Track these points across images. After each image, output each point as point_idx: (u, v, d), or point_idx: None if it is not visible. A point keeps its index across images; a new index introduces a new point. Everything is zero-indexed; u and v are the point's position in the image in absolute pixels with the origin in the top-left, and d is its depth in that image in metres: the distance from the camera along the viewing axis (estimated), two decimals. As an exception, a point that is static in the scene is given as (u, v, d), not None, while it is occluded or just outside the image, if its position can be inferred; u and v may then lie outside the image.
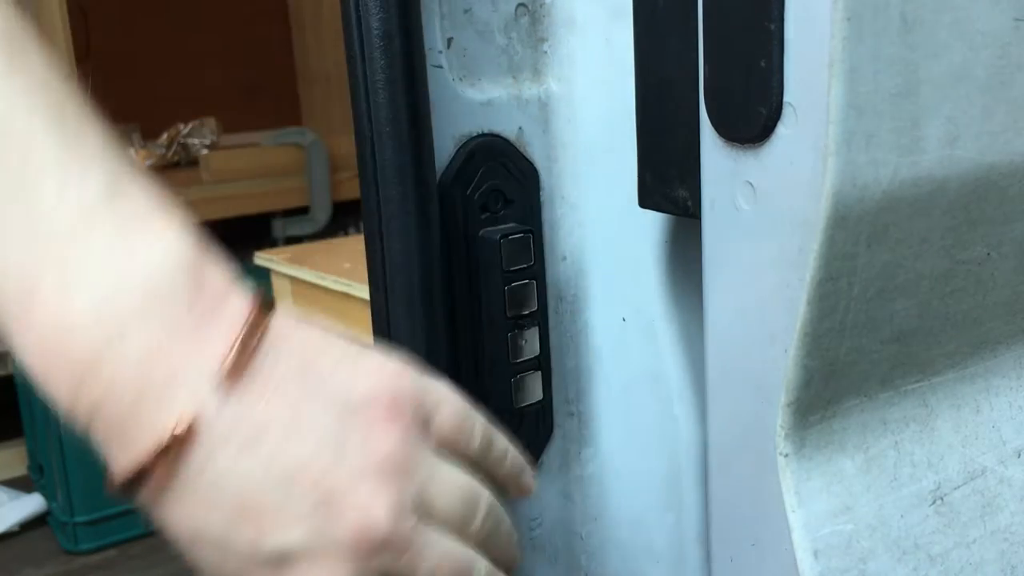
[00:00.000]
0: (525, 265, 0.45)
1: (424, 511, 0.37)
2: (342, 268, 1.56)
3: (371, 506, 0.34)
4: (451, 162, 0.44)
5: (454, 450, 0.39)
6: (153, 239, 0.34)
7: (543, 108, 0.47)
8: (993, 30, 0.35)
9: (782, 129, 0.35)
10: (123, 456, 0.34)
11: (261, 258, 1.76)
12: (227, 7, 3.28)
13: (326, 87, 3.30)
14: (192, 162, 2.87)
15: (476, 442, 0.40)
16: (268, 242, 2.71)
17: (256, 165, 2.76)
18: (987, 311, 0.42)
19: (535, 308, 0.46)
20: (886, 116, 0.34)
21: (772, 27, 0.34)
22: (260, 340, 0.34)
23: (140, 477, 0.34)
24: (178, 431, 0.32)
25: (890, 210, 0.35)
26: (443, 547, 0.37)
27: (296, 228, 2.80)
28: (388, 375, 0.37)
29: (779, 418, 0.38)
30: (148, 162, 2.85)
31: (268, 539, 0.34)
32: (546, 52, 0.47)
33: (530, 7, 0.46)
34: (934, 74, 0.34)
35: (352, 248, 1.76)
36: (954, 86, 0.35)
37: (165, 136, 2.92)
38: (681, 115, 0.41)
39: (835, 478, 0.39)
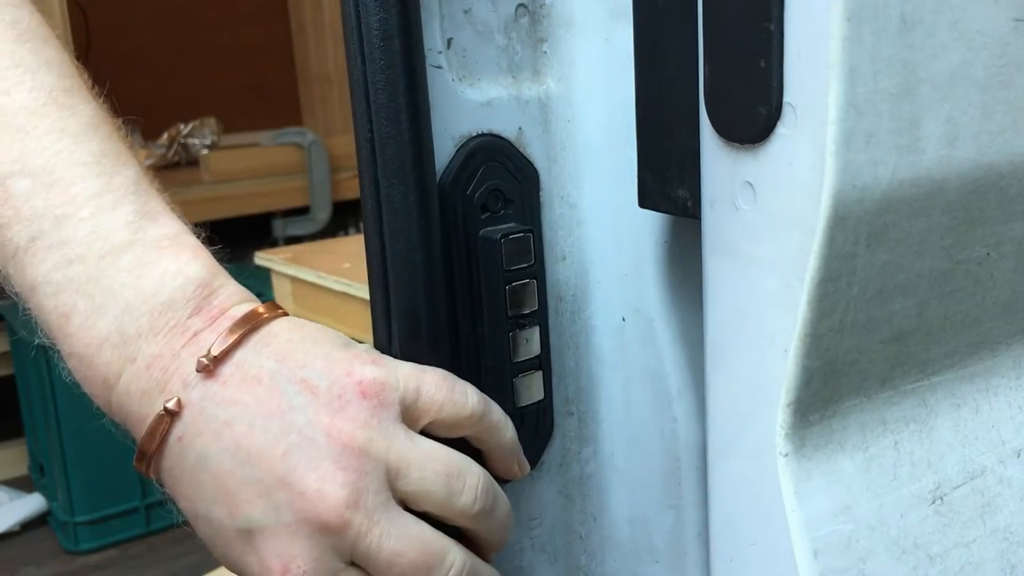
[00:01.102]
0: (526, 265, 0.45)
1: (399, 494, 0.38)
2: (342, 268, 1.56)
3: (325, 487, 0.37)
4: (451, 162, 0.44)
5: (441, 431, 0.40)
6: (170, 263, 0.39)
7: (543, 108, 0.47)
8: (992, 30, 0.35)
9: (782, 129, 0.35)
10: (138, 441, 0.39)
11: (261, 258, 1.76)
12: (227, 7, 3.28)
13: (326, 87, 3.30)
14: (192, 162, 2.88)
15: (464, 421, 0.41)
16: (268, 242, 2.71)
17: (256, 165, 2.76)
18: (986, 311, 0.42)
19: (536, 308, 0.46)
20: (885, 116, 0.34)
21: (772, 27, 0.34)
22: (247, 336, 0.39)
23: (144, 457, 0.39)
24: (169, 406, 0.38)
25: (890, 210, 0.35)
26: (409, 531, 0.38)
27: (296, 228, 2.80)
28: (359, 364, 0.39)
29: (779, 418, 0.38)
30: (148, 162, 2.85)
31: (237, 516, 0.38)
32: (546, 52, 0.47)
33: (530, 7, 0.46)
34: (933, 74, 0.34)
35: (352, 248, 1.77)
36: (953, 86, 0.35)
37: (165, 136, 2.92)
38: (681, 115, 0.41)
39: (835, 478, 0.39)
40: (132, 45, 3.09)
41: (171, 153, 2.88)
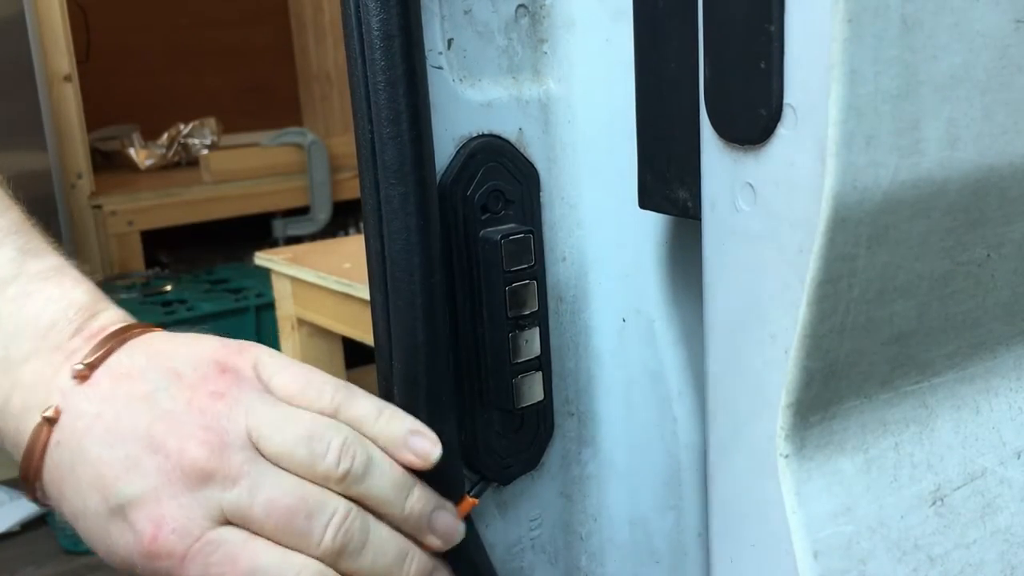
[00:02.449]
0: (526, 265, 0.45)
1: (266, 452, 0.39)
2: (342, 268, 1.56)
3: (186, 445, 0.38)
4: (451, 163, 0.44)
5: (303, 406, 0.41)
6: (53, 290, 0.42)
7: (543, 109, 0.47)
8: (993, 32, 0.35)
9: (782, 130, 0.35)
10: (21, 458, 0.41)
11: (261, 258, 1.76)
12: (227, 7, 3.28)
13: (326, 87, 3.30)
14: (192, 162, 2.88)
15: (325, 400, 0.41)
16: (268, 242, 2.71)
17: (256, 165, 2.76)
18: (987, 312, 0.42)
19: (536, 308, 0.46)
20: (886, 118, 0.34)
21: (772, 29, 0.34)
22: (118, 345, 0.41)
23: (28, 471, 0.41)
24: (48, 414, 0.40)
25: (890, 211, 0.35)
26: (282, 480, 0.39)
27: (296, 228, 2.80)
28: (222, 348, 0.41)
29: (779, 419, 0.38)
30: (148, 162, 2.85)
31: (110, 496, 0.39)
32: (546, 53, 0.47)
33: (530, 8, 0.46)
34: (934, 76, 0.34)
35: (352, 248, 1.76)
36: (954, 88, 0.35)
37: (165, 136, 2.92)
38: (681, 116, 0.41)
39: (835, 479, 0.39)
40: (132, 45, 3.09)
41: (171, 153, 2.88)
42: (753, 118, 0.35)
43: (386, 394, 0.43)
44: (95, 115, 2.58)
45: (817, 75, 0.33)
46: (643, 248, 0.50)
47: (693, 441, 0.51)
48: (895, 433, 0.41)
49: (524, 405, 0.47)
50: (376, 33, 0.39)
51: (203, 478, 0.38)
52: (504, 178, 0.46)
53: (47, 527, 2.29)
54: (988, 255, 0.40)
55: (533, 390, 0.47)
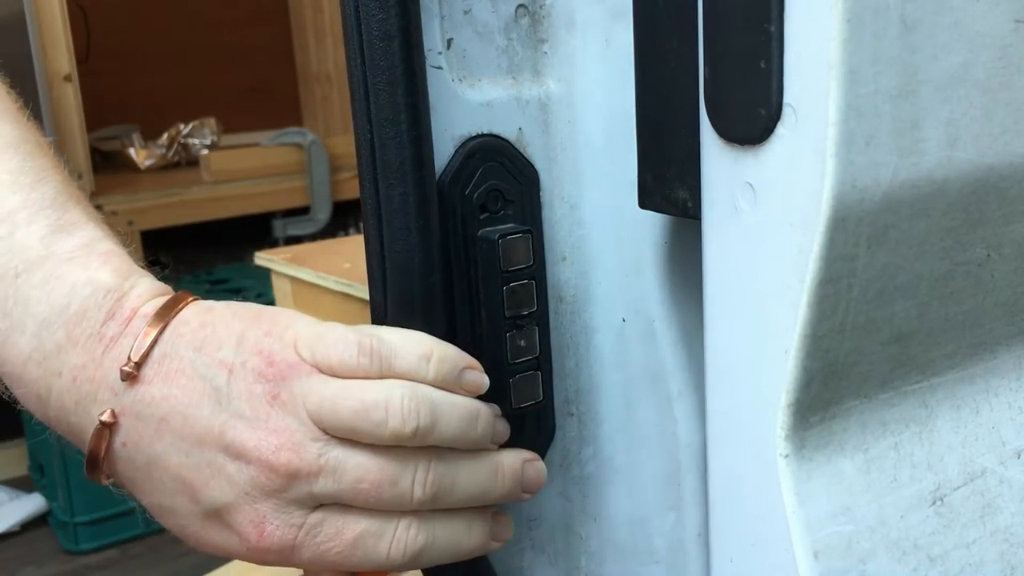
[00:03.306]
0: (524, 265, 0.45)
1: (333, 433, 0.40)
2: (342, 268, 1.56)
3: (263, 446, 0.39)
4: (450, 162, 0.44)
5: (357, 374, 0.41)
6: (79, 274, 0.41)
7: (543, 109, 0.47)
8: (993, 32, 0.35)
9: (782, 130, 0.35)
10: (85, 452, 0.41)
11: (261, 258, 1.76)
12: (227, 7, 3.28)
13: (326, 87, 3.30)
14: (192, 162, 2.87)
15: (368, 362, 0.41)
16: (268, 242, 2.71)
17: (256, 165, 2.75)
18: (987, 312, 0.42)
19: (534, 308, 0.46)
20: (886, 117, 0.34)
21: (772, 28, 0.34)
22: (162, 333, 0.40)
23: (96, 467, 0.41)
24: (104, 418, 0.40)
25: (890, 211, 0.35)
26: (360, 458, 0.40)
27: (296, 228, 2.80)
28: (259, 338, 0.41)
29: (779, 419, 0.38)
30: (148, 162, 2.85)
31: (201, 501, 0.40)
32: (546, 53, 0.47)
33: (530, 8, 0.46)
34: (934, 75, 0.34)
35: (352, 248, 1.76)
36: (954, 87, 0.35)
37: (165, 136, 2.92)
38: (681, 116, 0.41)
39: (835, 479, 0.39)
40: (132, 45, 3.09)
41: (171, 153, 2.87)
42: (753, 118, 0.35)
43: None
44: (95, 115, 2.58)
45: (817, 75, 0.33)
46: (643, 248, 0.50)
47: (693, 441, 0.51)
48: (895, 433, 0.41)
49: (521, 405, 0.47)
50: (376, 33, 0.39)
51: (288, 478, 0.39)
52: (504, 178, 0.46)
53: (47, 527, 2.29)
54: (988, 255, 0.40)
55: (531, 390, 0.47)
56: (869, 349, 0.39)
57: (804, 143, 0.34)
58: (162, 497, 0.41)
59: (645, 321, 0.50)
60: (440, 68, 0.43)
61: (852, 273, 0.36)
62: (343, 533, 0.40)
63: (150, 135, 2.90)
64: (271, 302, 1.88)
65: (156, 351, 0.40)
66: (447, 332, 0.45)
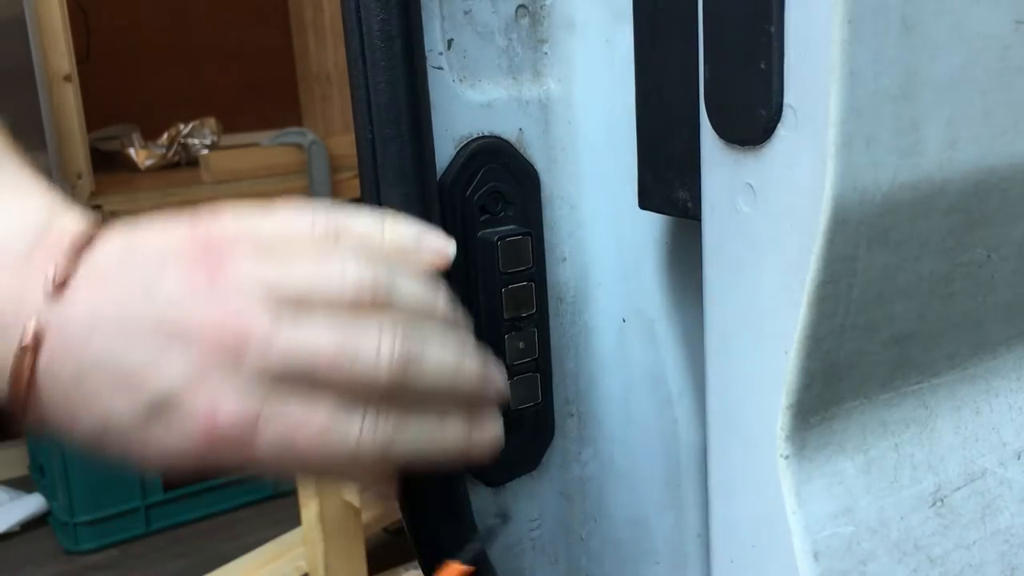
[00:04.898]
0: (523, 267, 0.45)
1: (289, 301, 0.36)
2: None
3: (210, 319, 0.35)
4: (452, 164, 0.44)
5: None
6: (13, 209, 0.39)
7: (543, 109, 0.47)
8: (993, 32, 0.35)
9: (782, 131, 0.35)
10: (2, 383, 0.37)
11: (261, 258, 1.76)
12: (227, 7, 3.28)
13: (326, 87, 3.30)
14: (192, 162, 2.87)
15: (320, 229, 0.38)
16: (268, 242, 2.71)
17: (256, 165, 2.75)
18: (987, 313, 0.42)
19: (533, 310, 0.46)
20: (886, 118, 0.34)
21: (772, 29, 0.34)
22: (84, 251, 0.37)
23: (18, 400, 0.37)
24: (26, 342, 0.36)
25: (890, 212, 0.35)
26: (317, 320, 0.36)
27: (296, 228, 2.79)
28: (189, 231, 0.38)
29: (779, 420, 0.38)
30: (148, 162, 2.85)
31: (143, 394, 0.36)
32: (546, 53, 0.47)
33: (530, 8, 0.46)
34: (934, 76, 0.34)
35: (352, 248, 1.76)
36: (954, 88, 0.35)
37: (165, 136, 2.91)
38: (681, 117, 0.41)
39: (835, 480, 0.39)
40: (132, 45, 3.09)
41: (171, 153, 2.87)
42: (753, 119, 0.35)
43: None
44: (95, 115, 2.58)
45: (817, 76, 0.33)
46: (643, 249, 0.50)
47: (693, 442, 0.51)
48: (895, 434, 0.41)
49: (520, 407, 0.47)
50: (376, 34, 0.39)
51: (240, 351, 0.35)
52: (504, 179, 0.46)
53: (47, 527, 2.29)
54: (988, 256, 0.40)
55: (530, 392, 0.47)
56: (869, 350, 0.39)
57: (804, 144, 0.34)
58: (97, 409, 0.36)
59: (645, 322, 0.50)
60: (440, 68, 0.43)
61: (852, 274, 0.36)
62: (310, 420, 0.36)
63: (150, 135, 2.90)
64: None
65: (81, 268, 0.37)
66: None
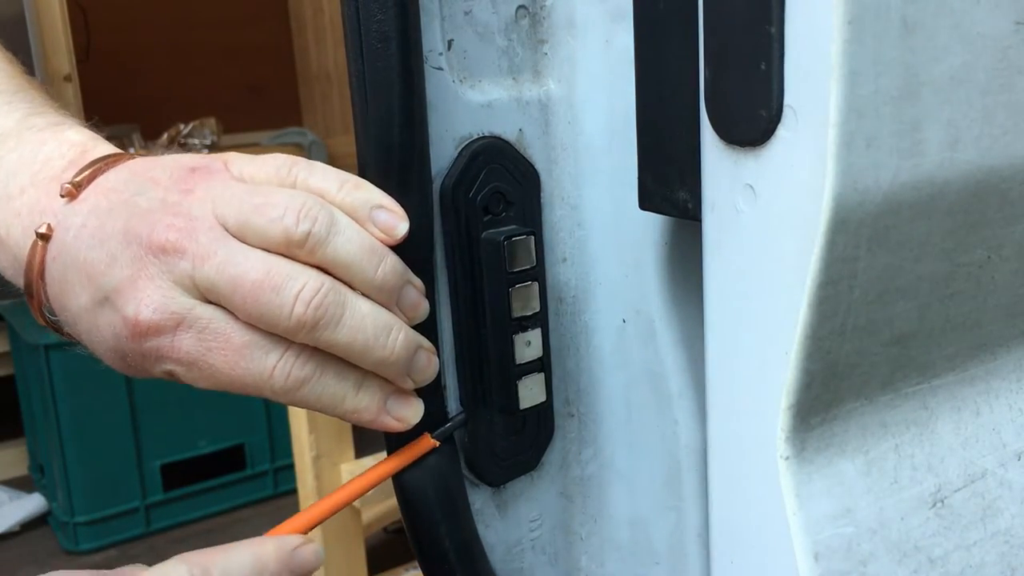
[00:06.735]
0: (528, 267, 0.45)
1: (230, 228, 0.40)
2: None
3: (157, 228, 0.39)
4: (453, 164, 0.44)
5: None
6: (50, 137, 0.46)
7: (543, 110, 0.47)
8: (993, 33, 0.35)
9: (782, 132, 0.35)
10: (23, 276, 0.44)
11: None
12: (227, 7, 3.28)
13: (326, 87, 3.30)
14: (192, 162, 2.86)
15: (284, 174, 0.42)
16: (268, 242, 2.71)
17: (256, 165, 2.75)
18: (987, 314, 0.42)
19: (538, 309, 0.46)
20: (887, 119, 0.34)
21: (772, 30, 0.34)
22: (105, 167, 0.43)
23: (31, 288, 0.43)
24: (40, 231, 0.42)
25: (891, 213, 0.35)
26: (251, 255, 0.39)
27: (296, 228, 2.79)
28: (192, 157, 0.43)
29: (779, 421, 0.38)
30: (148, 162, 2.85)
31: (96, 290, 0.40)
32: (546, 54, 0.47)
33: (530, 9, 0.46)
34: (935, 77, 0.34)
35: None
36: (955, 89, 0.35)
37: (165, 136, 2.91)
38: (681, 117, 0.41)
39: (835, 481, 0.39)
40: (132, 45, 3.09)
41: (171, 153, 2.87)
42: (753, 119, 0.35)
43: None
44: (95, 115, 2.58)
45: (817, 76, 0.33)
46: (643, 249, 0.50)
47: (693, 442, 0.51)
48: (896, 435, 0.41)
49: (526, 407, 0.47)
50: (375, 35, 0.39)
51: (173, 258, 0.39)
52: (505, 179, 0.46)
53: (48, 527, 2.29)
54: (988, 257, 0.40)
55: (535, 391, 0.47)
56: (870, 351, 0.39)
57: (805, 145, 0.34)
58: (72, 301, 0.42)
59: (645, 322, 0.50)
60: (441, 69, 0.43)
61: (853, 275, 0.36)
62: (231, 339, 0.39)
63: (150, 135, 2.90)
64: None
65: (99, 177, 0.43)
66: (451, 334, 0.45)
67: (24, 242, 0.43)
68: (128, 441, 2.17)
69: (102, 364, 0.44)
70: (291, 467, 1.79)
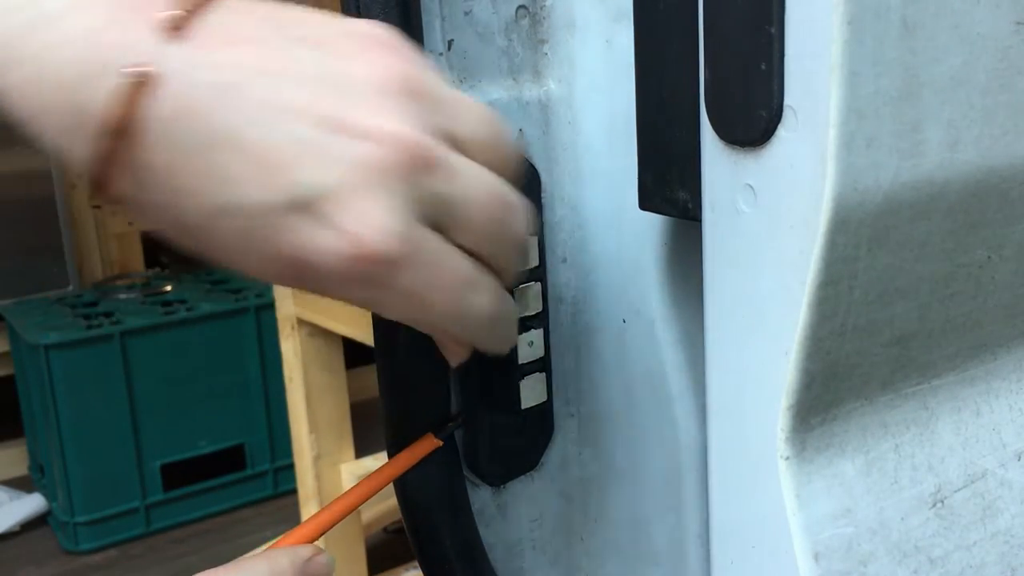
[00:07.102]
0: (531, 267, 0.45)
1: (457, 138, 0.33)
2: (342, 268, 1.55)
3: (388, 124, 0.31)
4: (452, 164, 0.44)
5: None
6: None
7: (543, 110, 0.47)
8: (994, 33, 0.35)
9: (783, 132, 0.35)
10: (80, 145, 0.30)
11: (261, 258, 1.76)
12: (227, 7, 3.27)
13: (326, 87, 3.29)
14: (192, 162, 2.86)
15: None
16: (268, 242, 2.70)
17: (256, 165, 2.75)
18: (987, 314, 0.42)
19: (540, 309, 0.46)
20: (887, 119, 0.34)
21: (772, 30, 0.34)
22: (204, 4, 0.31)
23: (102, 152, 0.30)
24: (134, 70, 0.29)
25: (891, 213, 0.35)
26: (481, 175, 0.33)
27: (296, 228, 2.79)
28: (349, 21, 0.33)
29: (779, 421, 0.38)
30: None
31: (286, 187, 0.30)
32: (546, 54, 0.47)
33: (531, 9, 0.46)
34: (935, 77, 0.34)
35: (352, 248, 1.76)
36: (955, 89, 0.35)
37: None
38: (681, 117, 0.41)
39: (835, 481, 0.39)
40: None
41: (171, 153, 2.87)
42: (753, 120, 0.35)
43: (387, 386, 0.43)
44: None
45: (817, 77, 0.33)
46: (643, 249, 0.50)
47: (693, 442, 0.51)
48: (896, 435, 0.41)
49: (528, 407, 0.47)
50: (376, 34, 0.39)
51: (413, 161, 0.31)
52: (504, 179, 0.46)
53: (47, 527, 2.29)
54: (989, 257, 0.40)
55: (537, 391, 0.47)
56: (870, 351, 0.39)
57: (805, 145, 0.34)
58: (215, 187, 0.30)
59: (645, 322, 0.50)
60: (441, 69, 0.43)
61: (853, 275, 0.36)
62: (450, 271, 0.33)
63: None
64: (271, 302, 1.88)
65: (210, 16, 0.30)
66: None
67: (84, 86, 0.29)
68: (128, 441, 2.17)
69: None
70: (291, 467, 1.79)
